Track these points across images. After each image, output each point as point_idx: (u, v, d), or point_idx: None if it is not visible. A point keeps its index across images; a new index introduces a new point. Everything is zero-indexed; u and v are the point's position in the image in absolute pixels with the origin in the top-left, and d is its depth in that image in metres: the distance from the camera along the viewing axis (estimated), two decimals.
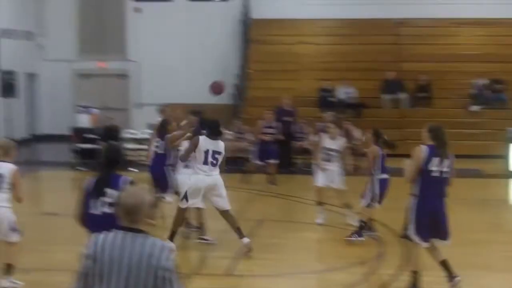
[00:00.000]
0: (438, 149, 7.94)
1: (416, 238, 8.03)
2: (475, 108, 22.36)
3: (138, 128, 21.90)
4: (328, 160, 11.93)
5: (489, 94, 22.51)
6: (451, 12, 24.21)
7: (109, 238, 4.14)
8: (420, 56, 24.00)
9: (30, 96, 25.62)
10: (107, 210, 6.37)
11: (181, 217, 10.29)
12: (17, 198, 8.23)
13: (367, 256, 9.99)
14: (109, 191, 6.43)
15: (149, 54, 25.63)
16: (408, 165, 8.03)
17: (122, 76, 26.27)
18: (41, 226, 11.92)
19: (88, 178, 6.71)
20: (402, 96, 22.77)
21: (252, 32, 25.04)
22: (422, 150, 7.94)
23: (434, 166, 7.90)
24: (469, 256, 9.79)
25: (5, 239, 8.27)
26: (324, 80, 22.84)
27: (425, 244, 8.10)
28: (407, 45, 24.63)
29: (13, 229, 8.25)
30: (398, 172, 8.92)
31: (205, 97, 24.43)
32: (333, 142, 11.94)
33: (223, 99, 24.01)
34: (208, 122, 10.45)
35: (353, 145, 13.70)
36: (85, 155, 19.73)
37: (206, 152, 9.86)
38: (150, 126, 22.43)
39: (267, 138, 17.31)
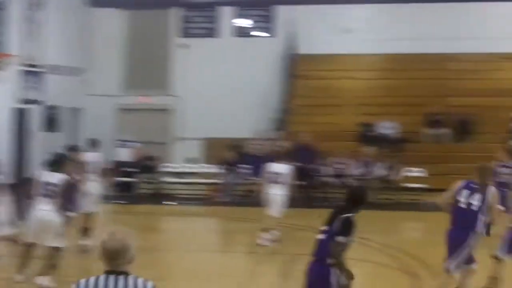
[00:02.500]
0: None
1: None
2: None
3: (177, 162, 21.97)
4: None
5: None
6: (495, 47, 23.79)
7: (91, 281, 4.13)
8: (463, 91, 23.56)
9: (73, 130, 25.76)
10: None
11: None
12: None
13: None
14: None
15: (194, 89, 25.68)
16: None
17: (164, 110, 26.35)
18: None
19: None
20: (445, 131, 22.38)
21: (297, 67, 24.92)
22: None
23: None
24: None
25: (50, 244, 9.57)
26: (367, 115, 22.61)
27: None
28: (450, 80, 24.25)
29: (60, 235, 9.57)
30: None
31: (246, 132, 24.72)
32: None
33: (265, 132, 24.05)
34: None
35: None
36: (123, 188, 19.85)
37: None
38: (189, 160, 22.64)
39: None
